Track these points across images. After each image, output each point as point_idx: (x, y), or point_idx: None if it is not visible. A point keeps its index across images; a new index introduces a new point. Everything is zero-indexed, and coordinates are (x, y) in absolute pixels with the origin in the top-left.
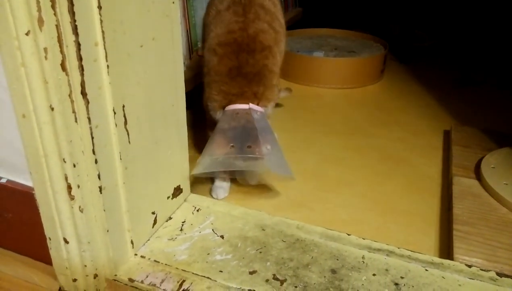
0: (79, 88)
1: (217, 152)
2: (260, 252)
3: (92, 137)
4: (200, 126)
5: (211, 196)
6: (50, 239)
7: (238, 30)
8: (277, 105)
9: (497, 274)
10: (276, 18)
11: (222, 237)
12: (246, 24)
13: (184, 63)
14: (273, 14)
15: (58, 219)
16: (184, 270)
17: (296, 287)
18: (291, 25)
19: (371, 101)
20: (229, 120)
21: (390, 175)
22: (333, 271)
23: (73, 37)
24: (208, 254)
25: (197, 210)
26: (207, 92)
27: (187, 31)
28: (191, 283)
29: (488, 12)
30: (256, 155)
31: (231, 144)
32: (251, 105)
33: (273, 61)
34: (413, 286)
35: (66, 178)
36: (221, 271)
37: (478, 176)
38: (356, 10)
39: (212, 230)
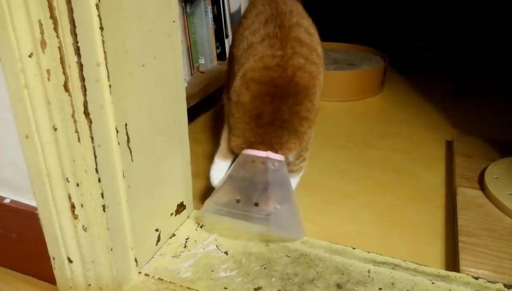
0: (82, 108)
1: (221, 200)
2: (265, 268)
3: (95, 157)
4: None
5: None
6: (54, 259)
7: (275, 66)
8: None
9: (505, 285)
10: (313, 49)
11: (226, 253)
12: (284, 61)
13: (185, 79)
14: (310, 46)
15: (62, 238)
16: (189, 288)
17: None
18: None
19: (373, 113)
20: (242, 167)
21: (394, 186)
22: (339, 286)
23: (75, 58)
24: (213, 271)
25: (201, 226)
26: (232, 122)
27: (188, 47)
28: None
29: (487, 21)
30: (261, 215)
31: (237, 198)
32: (269, 154)
33: (308, 106)
34: None
35: (69, 197)
36: (226, 288)
37: (482, 186)
38: (355, 23)
39: (216, 246)
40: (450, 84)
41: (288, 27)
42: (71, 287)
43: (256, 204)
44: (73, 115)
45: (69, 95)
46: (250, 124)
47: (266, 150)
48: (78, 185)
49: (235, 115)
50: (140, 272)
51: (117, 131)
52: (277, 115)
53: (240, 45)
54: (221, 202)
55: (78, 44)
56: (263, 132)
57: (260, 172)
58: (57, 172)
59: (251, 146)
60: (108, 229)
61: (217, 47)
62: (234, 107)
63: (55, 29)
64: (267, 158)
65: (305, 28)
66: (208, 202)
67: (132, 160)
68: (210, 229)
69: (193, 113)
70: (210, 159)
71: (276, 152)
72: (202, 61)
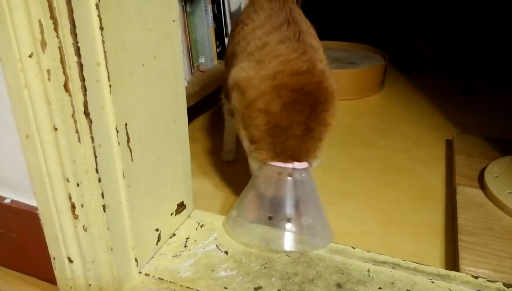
0: (82, 108)
1: (250, 215)
2: (265, 267)
3: (95, 157)
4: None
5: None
6: (54, 259)
7: (305, 72)
8: None
9: (504, 284)
10: (322, 55)
11: (226, 252)
12: (312, 66)
13: (185, 79)
14: (320, 51)
15: (62, 238)
16: (189, 287)
17: None
18: None
19: (373, 112)
20: (268, 181)
21: (394, 185)
22: (339, 286)
23: (75, 58)
24: (213, 270)
25: (201, 226)
26: (256, 134)
27: (188, 47)
28: None
29: (488, 20)
30: (295, 231)
31: (269, 215)
32: (296, 165)
33: (332, 112)
34: None
35: (70, 197)
36: (226, 288)
37: (482, 185)
38: (355, 21)
39: (216, 245)
40: (450, 83)
41: (304, 33)
42: (71, 287)
43: (289, 220)
44: (73, 115)
45: (69, 95)
46: (280, 137)
47: (292, 160)
48: (78, 184)
49: (261, 127)
50: (140, 272)
51: (117, 131)
52: (306, 124)
53: (250, 42)
54: (252, 219)
55: (78, 44)
56: (293, 145)
57: (288, 185)
58: (58, 172)
59: (276, 157)
60: (108, 228)
61: (217, 46)
62: (261, 117)
63: (55, 29)
64: (293, 169)
65: (313, 35)
66: (236, 218)
67: (132, 159)
68: (210, 229)
69: (193, 113)
70: (210, 158)
71: (301, 161)
72: (202, 60)
